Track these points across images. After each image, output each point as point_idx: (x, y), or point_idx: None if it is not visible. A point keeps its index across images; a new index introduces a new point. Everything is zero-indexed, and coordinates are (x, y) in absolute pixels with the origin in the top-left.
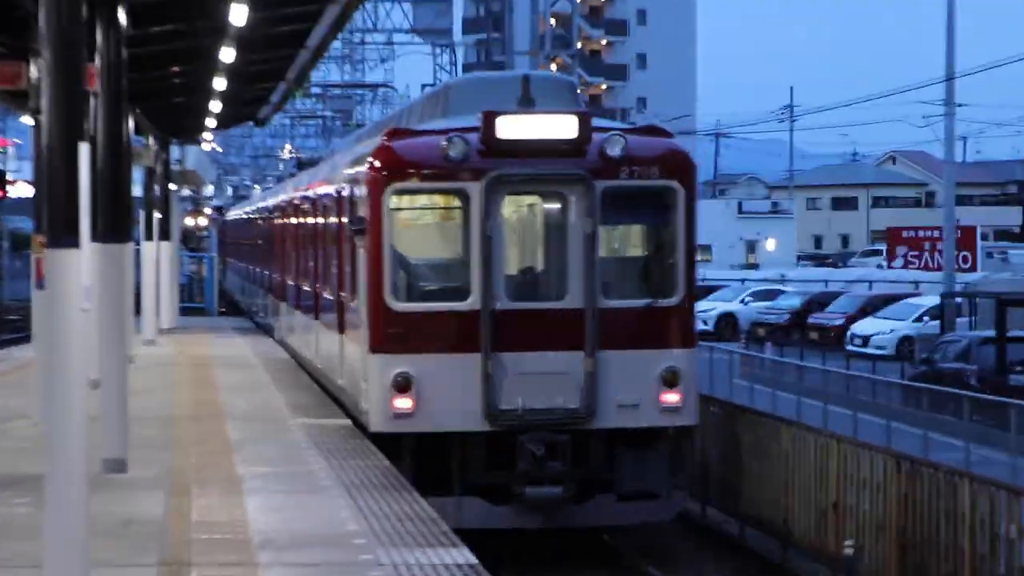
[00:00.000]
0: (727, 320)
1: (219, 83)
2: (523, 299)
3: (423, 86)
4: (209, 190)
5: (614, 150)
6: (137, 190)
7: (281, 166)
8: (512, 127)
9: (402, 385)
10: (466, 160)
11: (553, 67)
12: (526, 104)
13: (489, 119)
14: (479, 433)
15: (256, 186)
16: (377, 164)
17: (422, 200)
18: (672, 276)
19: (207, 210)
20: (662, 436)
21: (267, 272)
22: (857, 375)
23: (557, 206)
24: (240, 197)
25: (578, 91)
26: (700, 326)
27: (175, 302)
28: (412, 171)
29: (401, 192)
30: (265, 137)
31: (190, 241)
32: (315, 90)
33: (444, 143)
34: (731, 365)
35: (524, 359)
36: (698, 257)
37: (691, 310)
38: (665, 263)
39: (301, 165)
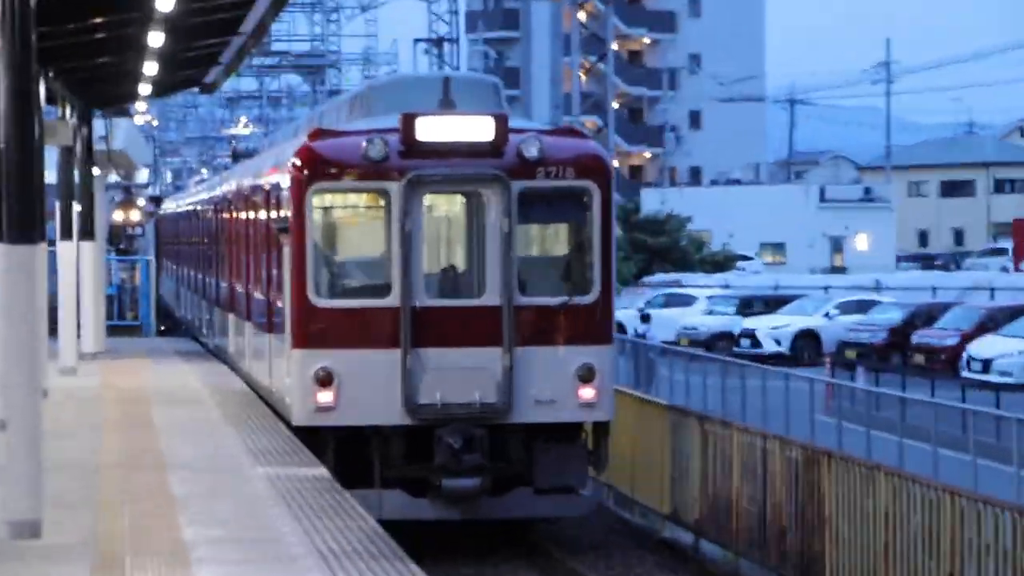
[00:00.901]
0: (806, 339)
1: (154, 38)
2: (442, 296)
3: (416, 41)
4: (143, 176)
5: (530, 151)
6: (51, 176)
7: (234, 144)
8: (430, 128)
9: (324, 380)
10: (386, 160)
11: (582, 15)
12: (446, 105)
13: (408, 121)
14: (399, 427)
15: (203, 170)
16: (299, 164)
17: (344, 199)
18: (588, 274)
19: (141, 201)
20: (579, 431)
21: (211, 280)
22: (976, 410)
23: (475, 205)
24: (183, 185)
25: (501, 91)
26: (773, 346)
27: (101, 319)
28: (333, 171)
29: (322, 191)
30: (214, 107)
31: (120, 241)
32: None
33: (365, 144)
34: (812, 397)
35: (443, 355)
36: (766, 259)
37: (608, 308)
38: (582, 262)
39: (236, 156)
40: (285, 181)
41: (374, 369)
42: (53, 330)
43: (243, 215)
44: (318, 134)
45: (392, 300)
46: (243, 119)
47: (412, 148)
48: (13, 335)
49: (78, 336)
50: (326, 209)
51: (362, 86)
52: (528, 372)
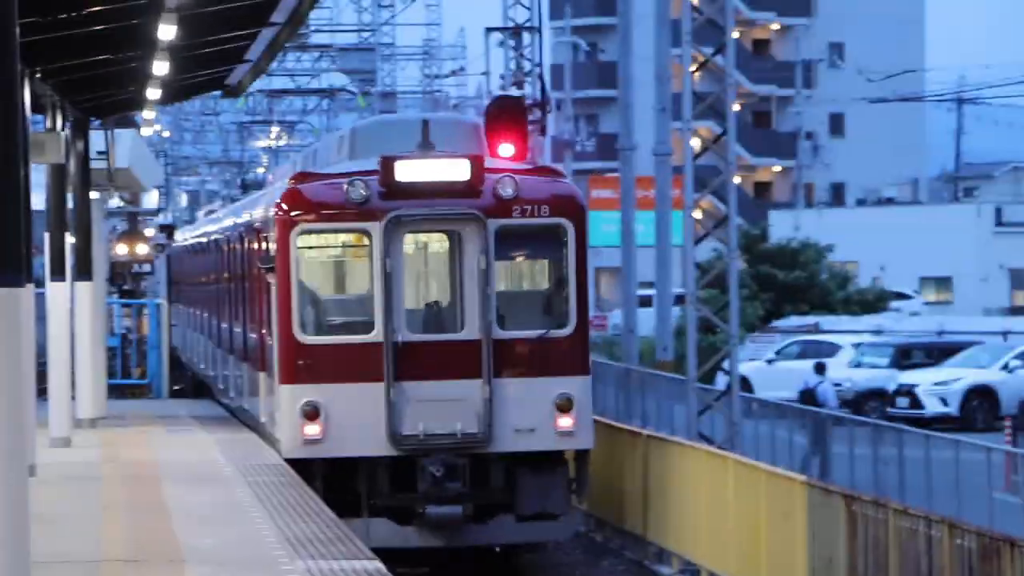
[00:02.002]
0: (980, 398)
1: (165, 31)
2: (423, 331)
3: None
4: (153, 200)
5: (506, 191)
6: (38, 201)
7: (265, 159)
8: (409, 170)
9: (311, 413)
10: (367, 202)
11: None
12: (425, 147)
13: (387, 163)
14: (384, 457)
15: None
16: (284, 206)
17: (327, 239)
18: (565, 308)
19: (150, 231)
20: (560, 459)
21: (233, 328)
22: None
23: (454, 243)
24: (204, 212)
25: (481, 132)
26: (938, 407)
27: (101, 377)
28: (317, 213)
29: (307, 232)
30: (240, 114)
31: (124, 280)
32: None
33: (347, 186)
34: (989, 470)
35: (425, 387)
36: (928, 297)
37: (584, 340)
38: (558, 296)
39: (246, 187)
40: (272, 222)
41: (359, 402)
42: (42, 391)
43: (240, 255)
44: (302, 177)
45: (375, 336)
46: (274, 129)
47: (392, 189)
48: None
49: (73, 399)
50: (310, 249)
51: (345, 129)
52: (507, 402)
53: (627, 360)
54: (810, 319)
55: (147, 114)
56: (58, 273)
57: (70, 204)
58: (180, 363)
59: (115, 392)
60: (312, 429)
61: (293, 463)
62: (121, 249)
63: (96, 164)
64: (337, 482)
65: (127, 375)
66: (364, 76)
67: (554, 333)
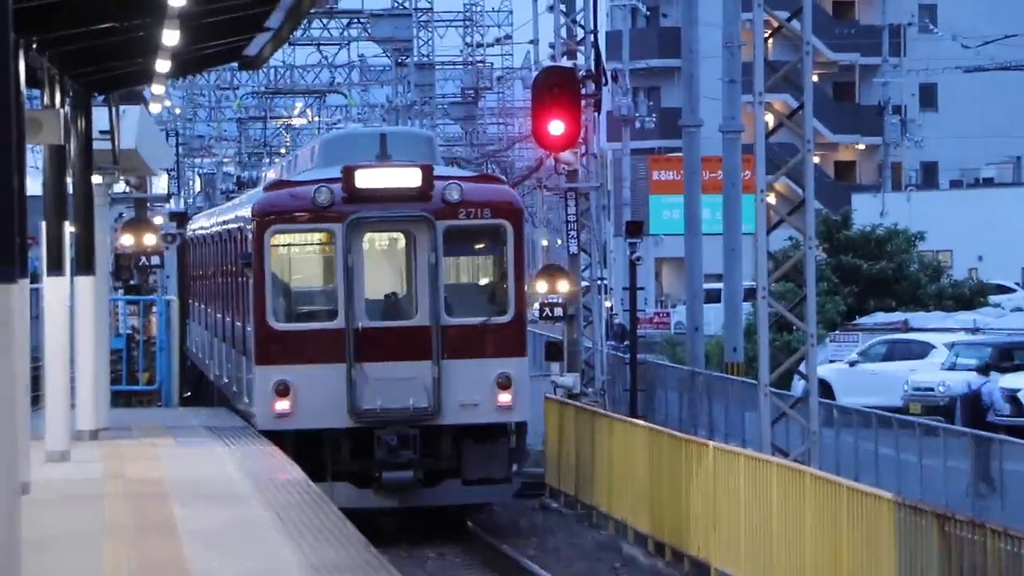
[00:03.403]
0: None
1: None
2: (380, 319)
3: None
4: (162, 185)
5: (452, 195)
6: (35, 186)
7: (288, 138)
8: (368, 178)
9: (282, 391)
10: (332, 206)
11: None
12: (383, 157)
13: (349, 172)
14: (345, 429)
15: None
16: (259, 210)
17: (297, 239)
18: (505, 298)
19: (159, 220)
20: (502, 430)
21: (232, 322)
22: None
23: (407, 242)
24: (221, 195)
25: (435, 143)
26: None
27: (104, 383)
28: (287, 215)
29: (278, 232)
30: (259, 86)
31: (130, 274)
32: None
33: (314, 192)
34: None
35: (381, 368)
36: None
37: (521, 326)
38: (499, 288)
39: (241, 185)
40: (249, 223)
41: (324, 381)
42: (37, 399)
43: (230, 251)
44: (275, 185)
45: (338, 323)
46: (298, 106)
47: (353, 195)
48: None
49: (72, 408)
50: (282, 247)
51: (315, 140)
52: (454, 381)
53: (692, 363)
54: (898, 316)
55: (156, 89)
56: (56, 266)
57: (70, 189)
58: (193, 366)
59: (120, 400)
60: (283, 405)
61: (267, 434)
62: (127, 239)
63: (99, 145)
64: (305, 451)
65: (133, 381)
66: (398, 45)
67: (495, 320)
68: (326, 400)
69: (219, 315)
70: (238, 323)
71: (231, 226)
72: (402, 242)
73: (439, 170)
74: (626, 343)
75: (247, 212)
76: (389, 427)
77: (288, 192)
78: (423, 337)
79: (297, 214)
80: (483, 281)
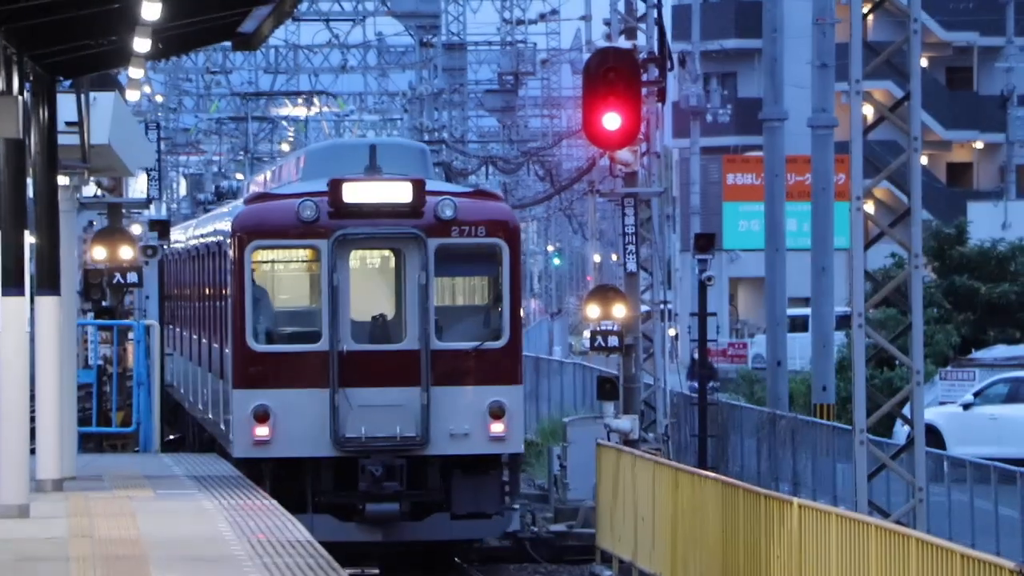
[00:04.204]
0: None
1: None
2: (367, 341)
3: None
4: (141, 186)
5: (445, 212)
6: None
7: (292, 133)
8: (356, 192)
9: (261, 416)
10: (317, 221)
11: None
12: (372, 171)
13: (336, 185)
14: (328, 458)
15: (238, 176)
16: (239, 225)
17: (279, 255)
18: (499, 322)
19: (137, 229)
20: (495, 462)
21: (209, 346)
22: None
23: (397, 260)
24: (213, 198)
25: (427, 156)
26: None
27: (71, 424)
28: (270, 231)
29: (260, 248)
30: (257, 71)
31: (102, 294)
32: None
33: (298, 206)
34: None
35: (367, 393)
36: None
37: (516, 351)
38: (493, 311)
39: (221, 196)
40: (228, 239)
41: (306, 406)
42: None
43: (210, 269)
44: (257, 198)
45: (322, 345)
46: (300, 97)
47: (340, 210)
48: None
49: (31, 453)
50: (263, 264)
51: (300, 151)
52: (443, 409)
53: (773, 403)
54: (1023, 349)
55: (134, 72)
56: (13, 284)
57: (30, 192)
58: (178, 404)
59: (89, 444)
60: (262, 431)
61: (244, 461)
62: (98, 253)
63: (66, 139)
64: (284, 481)
65: (105, 421)
66: (424, 21)
67: (488, 345)
68: (308, 427)
69: (201, 340)
70: (215, 345)
71: (209, 240)
72: (391, 261)
73: (432, 185)
74: (712, 384)
75: (227, 226)
76: (374, 456)
77: (271, 205)
78: (412, 362)
79: (280, 229)
80: (477, 303)
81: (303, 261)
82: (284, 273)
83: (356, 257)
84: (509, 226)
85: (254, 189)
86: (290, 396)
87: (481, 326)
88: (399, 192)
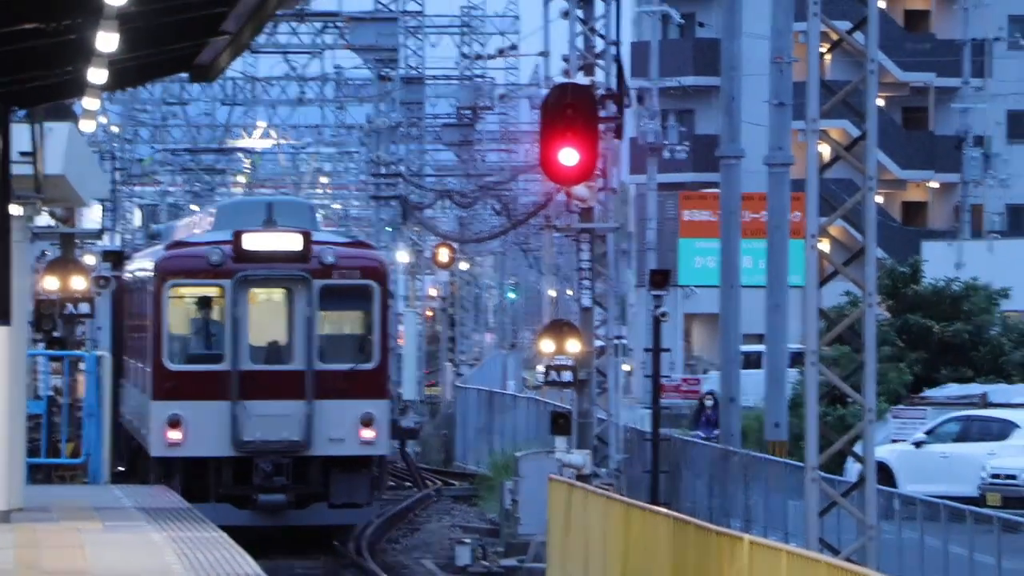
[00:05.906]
0: None
1: None
2: (262, 362)
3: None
4: (95, 217)
5: (328, 258)
6: None
7: (249, 164)
8: (254, 241)
9: (174, 423)
10: (223, 264)
11: None
12: (269, 223)
13: (238, 235)
14: (228, 457)
15: (193, 207)
16: (160, 267)
17: (191, 292)
18: (370, 348)
19: (90, 259)
20: (366, 462)
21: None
22: None
23: (288, 297)
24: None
25: (314, 211)
26: None
27: (19, 455)
28: (184, 272)
29: (176, 286)
30: (214, 102)
31: (53, 325)
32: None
33: (207, 252)
34: None
35: (262, 405)
36: None
37: (384, 372)
38: (366, 339)
39: (152, 236)
40: (150, 278)
41: (211, 415)
42: None
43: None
44: (175, 245)
45: (225, 365)
46: (261, 124)
47: (241, 255)
48: None
49: None
50: (178, 299)
51: (213, 206)
52: (324, 418)
53: (726, 440)
54: (975, 388)
55: (89, 103)
56: None
57: None
58: (129, 436)
59: (38, 475)
60: (175, 435)
61: (159, 461)
62: (50, 283)
63: (18, 169)
64: (192, 476)
65: (54, 453)
66: (382, 55)
67: (361, 366)
68: (212, 432)
69: (133, 362)
70: (140, 365)
71: (140, 276)
72: (283, 297)
73: (317, 235)
74: (716, 432)
75: (152, 266)
76: (266, 456)
77: (186, 251)
78: (298, 380)
79: (192, 271)
80: (352, 332)
81: (211, 296)
82: (195, 306)
83: (254, 294)
84: (379, 270)
85: (175, 236)
86: (199, 407)
87: (356, 351)
88: (291, 242)
